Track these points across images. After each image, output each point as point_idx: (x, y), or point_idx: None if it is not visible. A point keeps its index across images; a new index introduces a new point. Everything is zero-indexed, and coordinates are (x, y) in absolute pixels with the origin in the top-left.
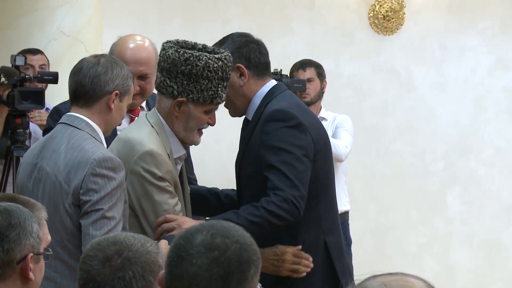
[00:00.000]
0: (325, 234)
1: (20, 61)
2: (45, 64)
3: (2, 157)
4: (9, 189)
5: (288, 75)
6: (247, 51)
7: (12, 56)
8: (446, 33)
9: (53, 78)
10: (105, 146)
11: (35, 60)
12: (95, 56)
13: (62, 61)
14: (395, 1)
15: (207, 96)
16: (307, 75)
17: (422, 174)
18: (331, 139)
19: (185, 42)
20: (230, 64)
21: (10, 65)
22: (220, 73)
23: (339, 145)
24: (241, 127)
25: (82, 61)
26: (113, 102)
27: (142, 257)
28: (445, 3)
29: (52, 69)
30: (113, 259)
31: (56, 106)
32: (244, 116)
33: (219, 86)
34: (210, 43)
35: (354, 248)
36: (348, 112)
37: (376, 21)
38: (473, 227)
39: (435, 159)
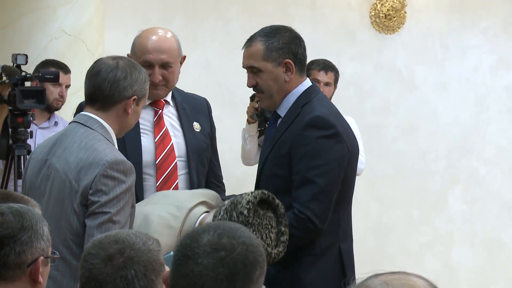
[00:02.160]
0: (340, 240)
1: (21, 60)
2: (69, 85)
3: (2, 158)
4: (10, 188)
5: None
6: (295, 47)
7: (13, 55)
8: (448, 32)
9: (54, 77)
10: (117, 147)
11: (65, 78)
12: (113, 58)
13: (63, 60)
14: (396, 0)
15: None
16: (327, 79)
17: (424, 173)
18: None
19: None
20: None
21: (11, 64)
22: None
23: None
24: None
25: (100, 64)
26: (130, 107)
27: (144, 255)
28: (446, 2)
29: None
30: (115, 257)
31: (81, 103)
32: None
33: None
34: (211, 42)
35: (355, 247)
36: (349, 111)
37: (377, 20)
38: (475, 227)
39: (437, 158)
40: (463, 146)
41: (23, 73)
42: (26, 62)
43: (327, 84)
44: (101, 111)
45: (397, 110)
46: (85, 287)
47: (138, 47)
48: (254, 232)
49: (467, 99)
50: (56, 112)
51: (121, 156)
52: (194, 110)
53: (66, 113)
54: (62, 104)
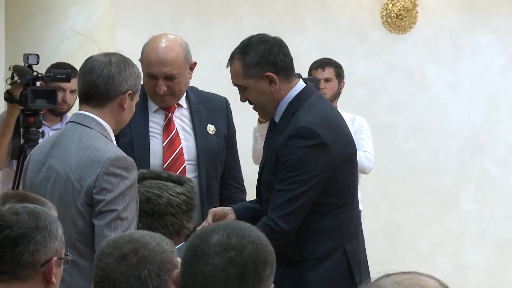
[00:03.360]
0: (345, 242)
1: (32, 60)
2: (75, 90)
3: (15, 158)
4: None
5: (301, 74)
6: (273, 58)
7: (24, 55)
8: (459, 31)
9: (66, 77)
10: (115, 144)
11: (69, 83)
12: (105, 54)
13: (75, 60)
14: (408, 0)
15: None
16: (326, 75)
17: (435, 173)
18: None
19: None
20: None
21: (23, 64)
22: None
23: (361, 157)
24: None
25: (92, 61)
26: (125, 102)
27: (157, 255)
28: (458, 2)
29: None
30: (129, 257)
31: None
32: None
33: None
34: (222, 41)
35: (366, 247)
36: (360, 111)
37: (389, 20)
38: (486, 226)
39: (448, 158)
40: (474, 145)
41: (35, 73)
42: (38, 62)
43: (327, 80)
44: (97, 108)
45: (408, 110)
46: (99, 286)
47: (144, 58)
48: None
49: (478, 98)
50: (68, 114)
51: (121, 153)
52: (211, 111)
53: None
54: (68, 109)
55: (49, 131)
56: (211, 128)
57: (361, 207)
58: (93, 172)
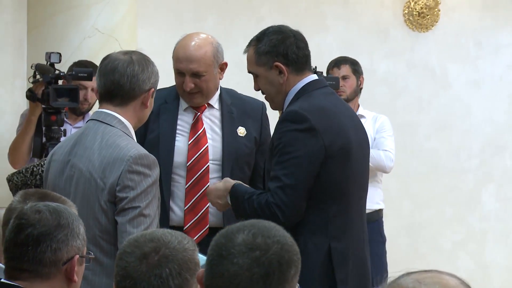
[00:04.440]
0: (331, 239)
1: (55, 59)
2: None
3: (36, 156)
4: None
5: (323, 73)
6: (284, 48)
7: (47, 53)
8: (481, 30)
9: (88, 76)
10: (135, 141)
11: (90, 83)
12: (125, 53)
13: (97, 59)
14: None
15: None
16: (342, 73)
17: (457, 172)
18: (375, 152)
19: None
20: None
21: (45, 63)
22: None
23: (382, 156)
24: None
25: (113, 59)
26: (148, 99)
27: (179, 254)
28: (480, 0)
29: None
30: (150, 256)
31: None
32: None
33: None
34: (244, 40)
35: (388, 246)
36: (382, 109)
37: (411, 18)
38: (509, 225)
39: (470, 156)
40: (497, 144)
41: (57, 72)
42: (60, 61)
43: (344, 77)
44: (120, 106)
45: (430, 108)
46: (120, 285)
47: (174, 54)
48: None
49: (500, 97)
50: (90, 112)
51: (143, 150)
52: (244, 114)
53: None
54: (88, 107)
55: (71, 129)
56: (241, 131)
57: (382, 206)
58: (116, 170)
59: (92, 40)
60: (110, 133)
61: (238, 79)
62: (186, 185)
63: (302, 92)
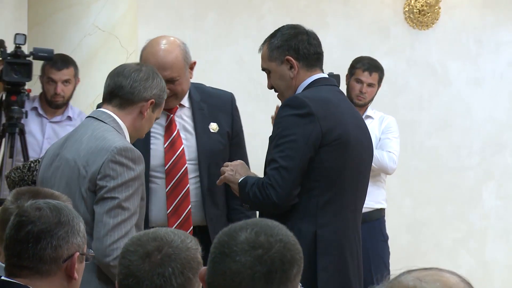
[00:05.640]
0: (318, 227)
1: (20, 40)
2: (70, 78)
3: None
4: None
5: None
6: (296, 43)
7: (15, 35)
8: (482, 27)
9: (48, 56)
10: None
11: (60, 74)
12: (138, 64)
13: (97, 56)
14: None
15: None
16: (371, 80)
17: (458, 169)
18: (379, 152)
19: None
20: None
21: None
22: None
23: (385, 157)
24: None
25: (124, 66)
26: (146, 110)
27: (182, 253)
28: None
29: (87, 64)
30: (153, 255)
31: (99, 104)
32: None
33: None
34: (244, 38)
35: (389, 244)
36: (383, 107)
37: (411, 16)
38: (509, 222)
39: (471, 154)
40: (497, 142)
41: (18, 51)
42: (25, 43)
43: (370, 85)
44: (118, 108)
45: (430, 106)
46: (123, 283)
47: (143, 62)
48: None
49: (501, 94)
50: (75, 107)
51: (130, 145)
52: (215, 108)
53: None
54: (63, 101)
55: (47, 124)
56: (213, 126)
57: (384, 205)
58: (99, 159)
59: (92, 38)
60: (101, 128)
61: (238, 76)
62: (166, 188)
63: (309, 87)
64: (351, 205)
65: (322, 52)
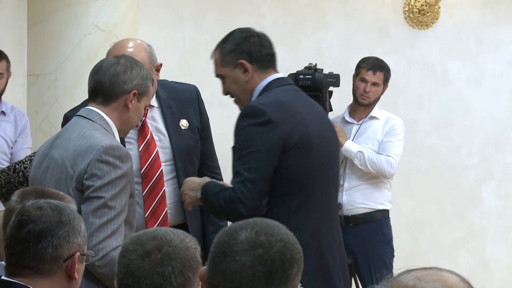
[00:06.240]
0: (292, 231)
1: None
2: (2, 72)
3: None
4: None
5: (323, 70)
6: (247, 46)
7: None
8: (482, 27)
9: None
10: (118, 140)
11: None
12: (116, 56)
13: (97, 56)
14: None
15: None
16: (375, 79)
17: (458, 169)
18: (377, 156)
19: None
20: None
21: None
22: None
23: (382, 161)
24: None
25: (102, 61)
26: (131, 101)
27: (181, 252)
28: None
29: (86, 64)
30: (153, 254)
31: (66, 113)
32: None
33: None
34: None
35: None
36: (383, 106)
37: (411, 15)
38: (509, 222)
39: (471, 154)
40: (497, 141)
41: None
42: None
43: (374, 84)
44: (103, 105)
45: (430, 105)
46: (122, 282)
47: None
48: None
49: (501, 93)
50: (7, 102)
51: (117, 143)
52: (182, 104)
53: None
54: None
55: None
56: (183, 123)
57: (386, 207)
58: (86, 158)
59: (92, 37)
60: (89, 126)
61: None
62: (143, 192)
63: (266, 89)
64: (324, 204)
65: (275, 53)
